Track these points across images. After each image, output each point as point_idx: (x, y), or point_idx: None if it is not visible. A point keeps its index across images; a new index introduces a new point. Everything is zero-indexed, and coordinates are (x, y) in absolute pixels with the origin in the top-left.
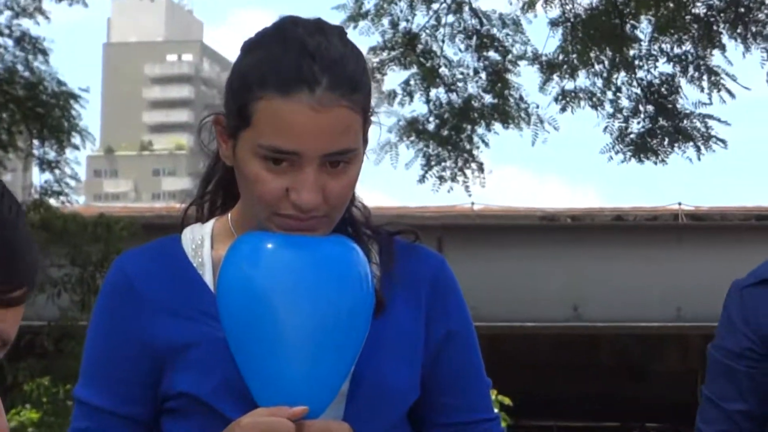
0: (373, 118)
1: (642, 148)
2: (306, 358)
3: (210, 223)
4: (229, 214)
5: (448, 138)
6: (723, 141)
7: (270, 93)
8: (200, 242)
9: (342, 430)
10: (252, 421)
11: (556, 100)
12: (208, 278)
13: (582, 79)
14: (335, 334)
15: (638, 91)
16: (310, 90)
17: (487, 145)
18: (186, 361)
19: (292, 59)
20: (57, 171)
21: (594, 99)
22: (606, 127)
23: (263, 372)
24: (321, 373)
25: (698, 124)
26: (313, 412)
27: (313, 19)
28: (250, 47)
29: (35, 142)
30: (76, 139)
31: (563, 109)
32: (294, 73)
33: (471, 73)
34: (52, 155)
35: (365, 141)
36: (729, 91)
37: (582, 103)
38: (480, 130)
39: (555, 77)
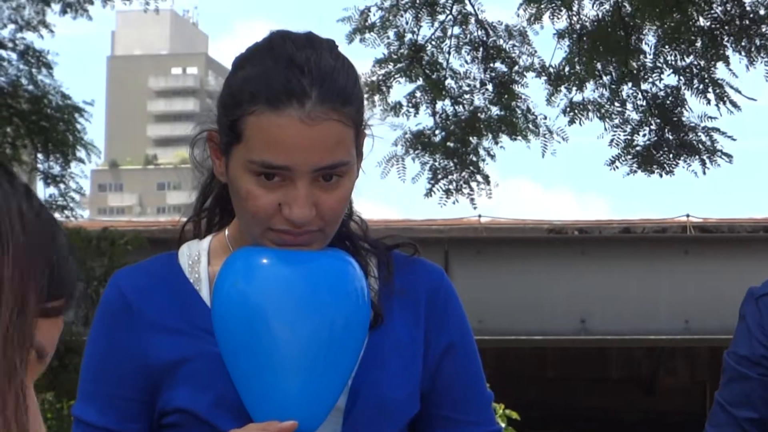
0: (372, 131)
1: (648, 160)
2: (300, 372)
3: (207, 239)
4: (227, 230)
5: (455, 150)
6: (728, 155)
7: (260, 108)
8: (197, 258)
9: None
10: None
11: (564, 112)
12: (205, 294)
13: (589, 91)
14: (330, 349)
15: (643, 103)
16: (300, 104)
17: (493, 158)
18: (182, 376)
19: (281, 73)
20: (62, 185)
21: (602, 111)
22: (612, 140)
23: (258, 387)
24: (316, 388)
25: (703, 138)
26: (309, 428)
27: (304, 33)
28: (240, 63)
29: (39, 156)
30: (81, 153)
31: (571, 122)
32: (283, 87)
33: (477, 84)
34: (56, 169)
35: (359, 154)
36: (734, 103)
37: (590, 114)
38: (486, 143)
39: (563, 89)
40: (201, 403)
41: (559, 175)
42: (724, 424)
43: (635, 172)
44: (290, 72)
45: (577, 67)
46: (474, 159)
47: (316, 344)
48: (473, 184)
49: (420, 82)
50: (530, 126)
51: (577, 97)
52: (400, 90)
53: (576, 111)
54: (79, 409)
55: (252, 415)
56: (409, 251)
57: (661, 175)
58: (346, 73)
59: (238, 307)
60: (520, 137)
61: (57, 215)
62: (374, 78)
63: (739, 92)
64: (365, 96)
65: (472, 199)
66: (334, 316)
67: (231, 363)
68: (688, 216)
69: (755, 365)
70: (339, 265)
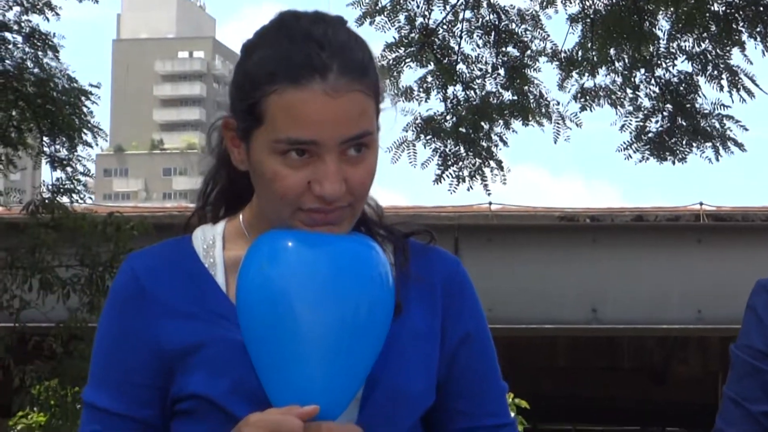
0: (385, 110)
1: (660, 147)
2: (324, 359)
3: (221, 224)
4: (241, 215)
5: (466, 136)
6: (740, 144)
7: (281, 85)
8: (212, 242)
9: None
10: (260, 419)
11: (575, 98)
12: (220, 279)
13: (601, 77)
14: (354, 335)
15: (656, 89)
16: (322, 77)
17: (506, 143)
18: (198, 362)
19: (300, 49)
20: (68, 169)
21: (613, 97)
22: (623, 126)
23: (280, 373)
24: (339, 375)
25: (717, 125)
26: (329, 415)
27: (312, 11)
28: (252, 46)
29: (45, 139)
30: (87, 137)
31: (583, 108)
32: (304, 62)
33: (489, 69)
34: (63, 153)
35: (377, 128)
36: (748, 91)
37: (602, 101)
38: (498, 128)
39: (574, 74)
40: (217, 389)
41: (567, 161)
42: (739, 420)
43: (647, 159)
44: (309, 47)
45: (590, 53)
46: (486, 145)
47: (341, 330)
48: (486, 171)
49: (431, 66)
50: (543, 111)
51: (589, 83)
52: (410, 75)
53: (587, 97)
54: (90, 394)
55: (273, 402)
56: (425, 239)
57: (674, 162)
58: (362, 46)
59: (263, 293)
60: (533, 123)
61: (64, 199)
62: (384, 62)
63: (754, 81)
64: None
65: (485, 185)
66: (359, 302)
67: (254, 349)
68: (701, 204)
69: None
70: (363, 250)
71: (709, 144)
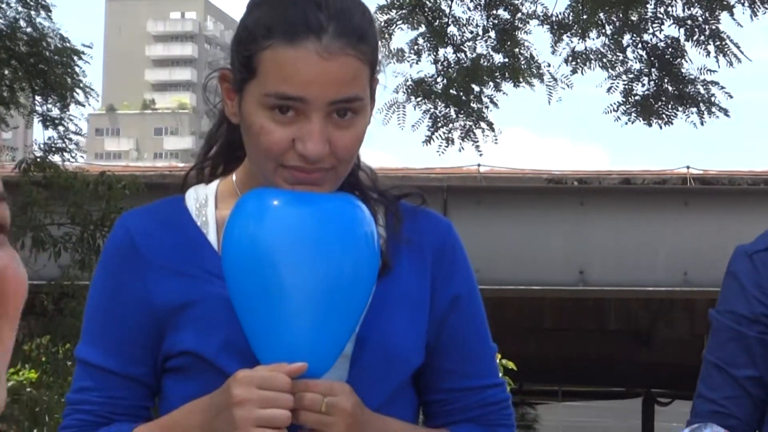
0: (379, 77)
1: (646, 110)
2: (309, 316)
3: (214, 184)
4: (234, 175)
5: (456, 98)
6: (724, 110)
7: (276, 41)
8: (204, 202)
9: (344, 390)
10: (248, 375)
11: (566, 61)
12: (212, 237)
13: (592, 41)
14: (339, 293)
15: (643, 53)
16: (317, 38)
17: (496, 105)
18: (189, 319)
19: (299, 8)
20: (60, 128)
21: (605, 60)
22: (610, 88)
23: (266, 331)
24: (324, 333)
25: (702, 90)
26: (316, 372)
27: None
28: (256, 3)
29: (38, 98)
30: (79, 96)
31: (574, 71)
32: (300, 21)
33: (480, 32)
34: (55, 112)
35: (372, 99)
36: (735, 56)
37: (593, 64)
38: (488, 90)
39: (565, 38)
40: (208, 346)
41: (554, 124)
42: (722, 385)
43: (633, 121)
44: (307, 7)
45: (581, 16)
46: (477, 107)
47: (326, 288)
48: (477, 132)
49: (422, 29)
50: (534, 72)
51: (580, 47)
52: (402, 37)
53: (579, 60)
54: (82, 350)
55: (259, 359)
56: (416, 201)
57: (660, 126)
58: (362, 12)
59: (248, 250)
60: (524, 83)
61: (56, 158)
62: (376, 24)
63: (739, 48)
64: None
65: (477, 146)
66: (344, 260)
67: (239, 306)
68: (688, 168)
69: (754, 323)
70: (350, 209)
71: (694, 109)
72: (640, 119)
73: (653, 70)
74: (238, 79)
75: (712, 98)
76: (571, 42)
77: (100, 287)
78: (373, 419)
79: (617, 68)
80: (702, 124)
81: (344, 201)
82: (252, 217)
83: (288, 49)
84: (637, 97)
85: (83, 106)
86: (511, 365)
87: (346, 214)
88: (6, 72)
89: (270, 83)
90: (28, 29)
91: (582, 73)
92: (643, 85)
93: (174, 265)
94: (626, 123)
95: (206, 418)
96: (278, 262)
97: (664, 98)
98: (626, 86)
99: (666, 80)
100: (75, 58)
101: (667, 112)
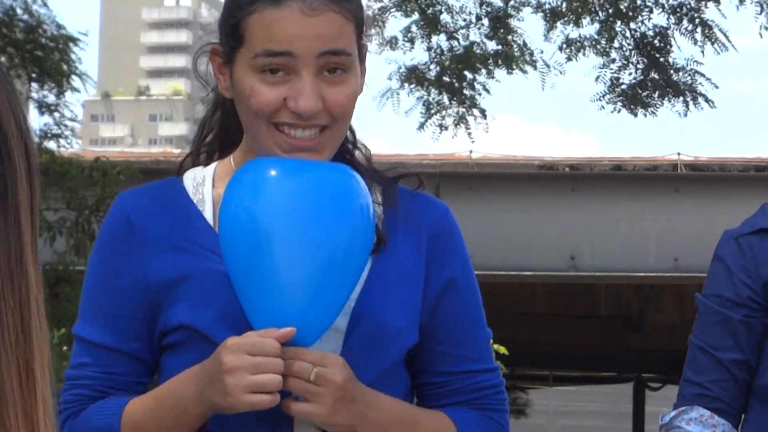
0: (367, 65)
1: (632, 99)
2: (302, 285)
3: (212, 165)
4: (231, 156)
5: (450, 85)
6: (710, 101)
7: (261, 5)
8: (201, 181)
9: (336, 362)
10: (237, 342)
11: (560, 48)
12: (208, 214)
13: (586, 28)
14: (333, 263)
15: (631, 42)
16: None
17: (488, 92)
18: (184, 293)
19: None
20: (56, 114)
21: (598, 47)
22: (598, 77)
23: (261, 301)
24: (317, 301)
25: (688, 80)
26: (306, 340)
27: None
28: None
29: (34, 85)
30: (75, 83)
31: (569, 59)
32: None
33: (473, 19)
34: (51, 98)
35: (363, 66)
36: (722, 45)
37: (587, 51)
38: (481, 78)
39: (559, 25)
40: (203, 319)
41: (546, 112)
42: (708, 368)
43: (619, 110)
44: None
45: (574, 4)
46: (470, 94)
47: (320, 258)
48: (470, 119)
49: (415, 16)
50: (527, 59)
51: (573, 34)
52: (395, 24)
53: (572, 48)
54: (80, 327)
55: (254, 326)
56: (413, 184)
57: (645, 115)
58: None
59: (244, 222)
60: (517, 70)
61: (52, 144)
62: (370, 12)
63: (726, 36)
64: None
65: (469, 133)
66: (338, 231)
67: (235, 277)
68: (679, 154)
69: (740, 306)
70: (344, 180)
71: (680, 99)
72: (625, 108)
73: (641, 59)
74: (228, 50)
75: (698, 88)
76: (565, 29)
77: (97, 265)
78: (366, 393)
79: (611, 55)
80: (686, 114)
81: (340, 172)
82: (247, 189)
83: (272, 10)
84: (623, 86)
85: (79, 92)
86: (502, 350)
87: (342, 185)
88: (2, 59)
89: (257, 44)
90: (25, 16)
91: (576, 60)
92: (630, 74)
93: (169, 241)
94: (611, 112)
95: (199, 387)
96: (271, 234)
97: (650, 87)
98: (613, 75)
99: (653, 70)
100: (71, 45)
101: (652, 102)
